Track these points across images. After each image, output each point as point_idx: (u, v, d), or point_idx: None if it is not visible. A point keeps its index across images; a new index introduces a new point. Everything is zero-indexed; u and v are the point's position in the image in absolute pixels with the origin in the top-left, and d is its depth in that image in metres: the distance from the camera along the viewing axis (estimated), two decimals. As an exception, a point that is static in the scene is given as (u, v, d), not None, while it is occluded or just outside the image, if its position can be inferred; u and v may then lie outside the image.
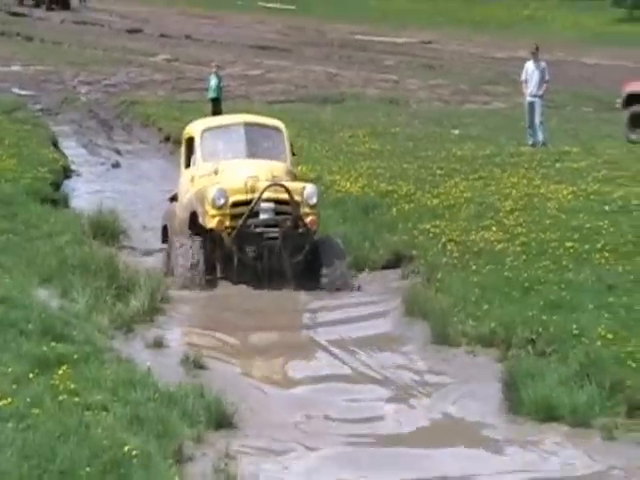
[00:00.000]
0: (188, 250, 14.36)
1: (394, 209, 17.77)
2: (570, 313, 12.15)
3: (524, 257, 14.38)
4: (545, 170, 20.62)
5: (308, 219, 14.69)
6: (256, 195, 14.37)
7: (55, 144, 27.29)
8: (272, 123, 16.46)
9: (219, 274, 14.95)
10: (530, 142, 25.17)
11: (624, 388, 10.36)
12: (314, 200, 14.80)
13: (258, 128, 16.09)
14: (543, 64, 25.53)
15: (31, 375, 9.70)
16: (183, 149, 16.27)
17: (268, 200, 14.47)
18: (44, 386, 9.50)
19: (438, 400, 11.25)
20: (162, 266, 15.52)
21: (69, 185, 22.84)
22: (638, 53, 51.29)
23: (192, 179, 15.40)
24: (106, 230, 17.40)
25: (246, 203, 14.47)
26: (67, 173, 23.70)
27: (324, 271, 14.64)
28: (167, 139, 29.23)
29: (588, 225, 15.65)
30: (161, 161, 27.49)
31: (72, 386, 9.56)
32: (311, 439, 10.10)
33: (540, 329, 11.89)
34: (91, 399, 9.45)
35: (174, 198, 16.47)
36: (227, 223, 14.40)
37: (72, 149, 28.13)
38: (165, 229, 16.57)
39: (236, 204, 14.47)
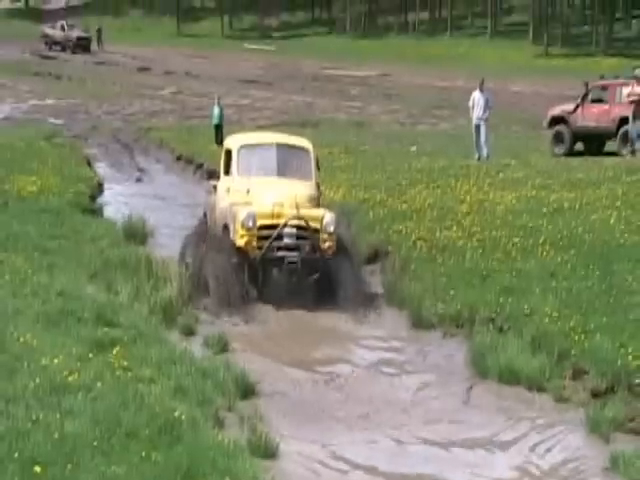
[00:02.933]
0: (222, 269, 13.45)
1: (371, 213, 17.62)
2: (521, 296, 12.20)
3: (480, 251, 14.37)
4: (491, 179, 20.63)
5: (325, 245, 13.77)
6: (281, 221, 13.69)
7: (89, 163, 27.15)
8: (301, 144, 15.35)
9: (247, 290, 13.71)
10: (477, 156, 25.31)
11: (570, 356, 10.41)
12: (331, 228, 13.90)
13: (288, 148, 15.05)
14: (487, 93, 25.68)
15: (90, 355, 9.67)
16: (222, 158, 15.34)
17: (291, 226, 13.75)
18: (102, 364, 9.46)
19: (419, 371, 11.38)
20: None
21: (103, 197, 22.69)
22: (552, 82, 51.71)
23: (228, 189, 14.70)
24: (137, 233, 17.24)
25: (272, 227, 13.69)
26: (101, 188, 23.53)
27: (340, 290, 13.62)
28: (179, 158, 29.11)
29: (531, 224, 15.71)
30: (175, 177, 27.32)
31: (125, 363, 9.55)
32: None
33: (498, 309, 11.93)
34: (141, 374, 9.45)
35: (215, 187, 15.56)
36: (254, 243, 13.68)
37: (102, 168, 27.94)
38: (205, 215, 16.04)
39: (263, 227, 13.76)
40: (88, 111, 41.31)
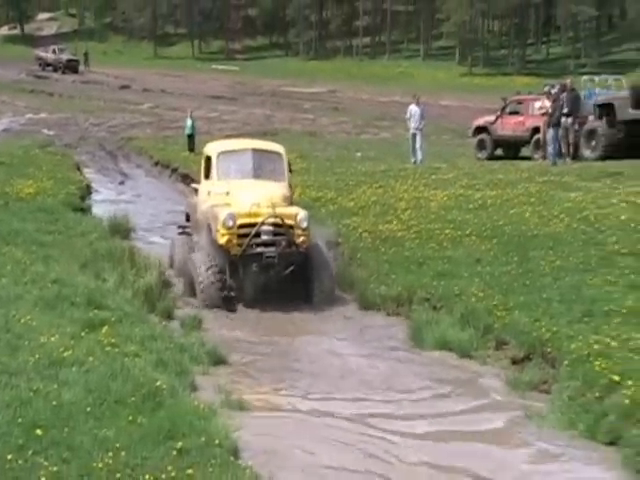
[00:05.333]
0: (209, 270, 13.00)
1: (323, 209, 17.59)
2: (452, 279, 12.26)
3: (417, 241, 14.41)
4: (425, 180, 20.60)
5: (300, 240, 13.11)
6: (259, 219, 13.01)
7: (78, 169, 26.80)
8: (274, 148, 14.63)
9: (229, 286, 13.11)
10: (412, 161, 25.37)
11: (493, 329, 10.52)
12: (305, 224, 13.17)
13: (263, 153, 14.27)
14: (422, 106, 25.77)
15: (83, 334, 9.57)
16: (203, 163, 14.67)
17: (268, 224, 13.13)
18: (93, 341, 9.37)
19: (366, 342, 11.42)
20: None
21: (92, 197, 22.48)
22: (475, 97, 52.00)
23: (209, 192, 14.10)
24: (121, 229, 17.08)
25: (250, 225, 13.02)
26: (89, 189, 23.28)
27: (314, 285, 13.13)
28: (156, 164, 28.90)
29: (459, 218, 15.74)
30: (153, 180, 27.17)
31: (113, 340, 9.45)
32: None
33: (432, 291, 12.01)
34: (127, 349, 9.35)
35: (196, 190, 15.06)
36: (234, 241, 13.07)
37: (90, 172, 27.62)
38: (188, 215, 15.46)
39: (242, 226, 13.00)
40: (77, 123, 40.78)
